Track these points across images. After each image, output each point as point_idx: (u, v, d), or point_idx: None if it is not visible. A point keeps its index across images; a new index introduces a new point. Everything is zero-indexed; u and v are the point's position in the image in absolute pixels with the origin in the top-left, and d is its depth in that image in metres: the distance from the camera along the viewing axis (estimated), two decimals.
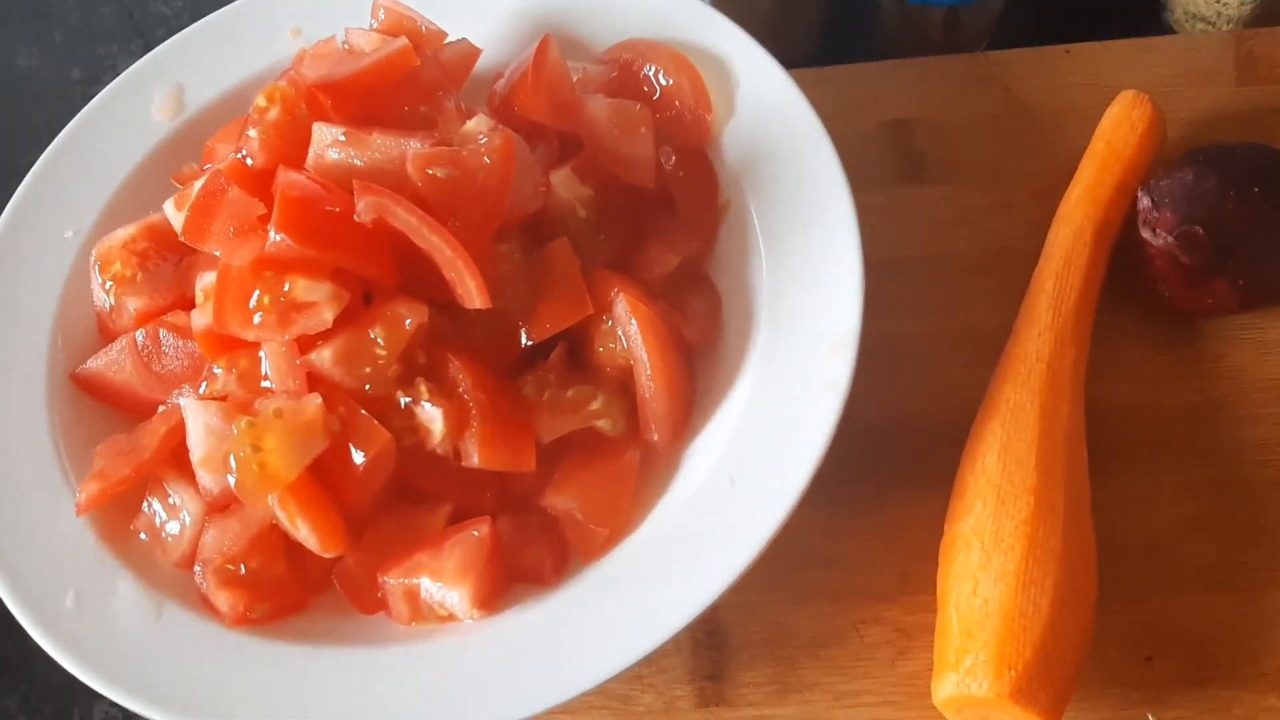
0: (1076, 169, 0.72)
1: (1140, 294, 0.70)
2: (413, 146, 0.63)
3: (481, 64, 0.75)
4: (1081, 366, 0.65)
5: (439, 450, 0.62)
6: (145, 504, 0.65)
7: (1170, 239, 0.67)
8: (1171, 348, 0.70)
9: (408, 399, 0.62)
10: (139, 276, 0.69)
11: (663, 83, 0.73)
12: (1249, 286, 0.68)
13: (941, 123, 0.79)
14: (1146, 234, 0.67)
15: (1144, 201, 0.69)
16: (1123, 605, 0.63)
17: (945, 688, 0.58)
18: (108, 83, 0.77)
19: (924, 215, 0.76)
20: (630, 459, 0.65)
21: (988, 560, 0.59)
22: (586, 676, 0.58)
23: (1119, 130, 0.72)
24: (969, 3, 0.81)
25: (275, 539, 0.62)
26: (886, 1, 0.84)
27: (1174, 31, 0.85)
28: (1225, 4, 0.81)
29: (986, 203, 0.75)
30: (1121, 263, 0.71)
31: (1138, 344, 0.70)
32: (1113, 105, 0.73)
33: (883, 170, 0.78)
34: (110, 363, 0.68)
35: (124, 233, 0.70)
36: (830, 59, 0.85)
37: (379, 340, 0.62)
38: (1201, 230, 0.66)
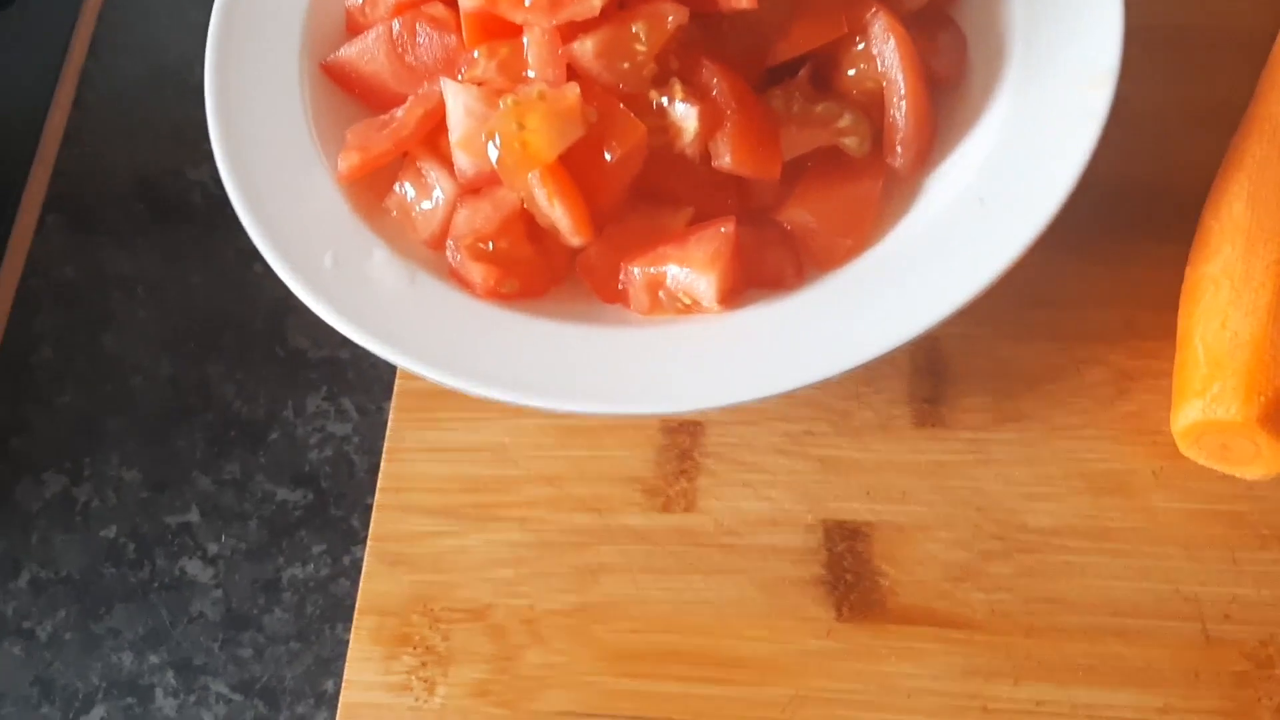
0: None
1: None
2: None
3: None
4: None
5: (689, 151, 0.63)
6: (397, 184, 0.67)
7: None
8: None
9: (663, 98, 0.63)
10: None
11: None
12: None
13: None
14: None
15: None
16: None
17: (1189, 413, 0.59)
18: None
19: None
20: (873, 181, 0.65)
21: (1237, 297, 0.60)
22: (814, 370, 0.59)
23: None
24: None
25: (524, 222, 0.64)
26: None
27: None
28: None
29: None
30: None
31: None
32: None
33: None
34: (363, 51, 0.70)
35: None
36: None
37: (640, 35, 0.62)
38: None
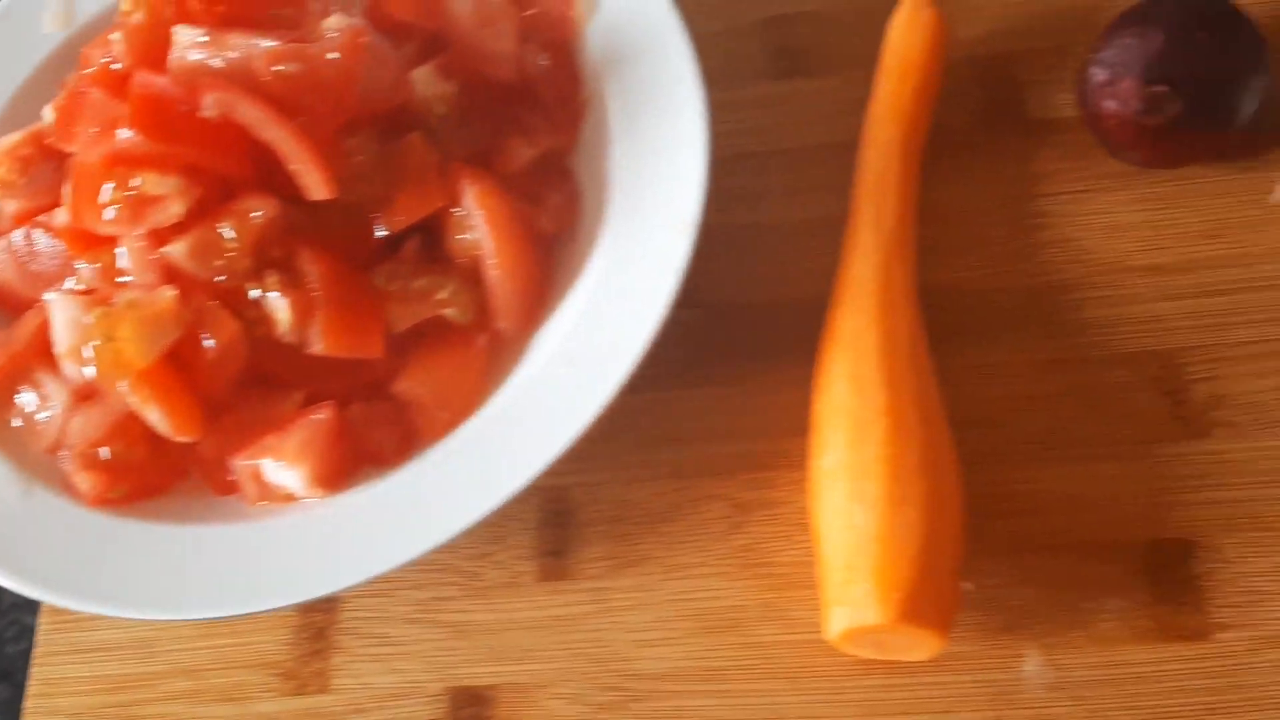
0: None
1: (976, 173, 0.72)
2: (263, 45, 0.65)
3: None
4: (912, 279, 0.66)
5: (287, 339, 0.65)
6: (19, 394, 0.68)
7: (1139, 104, 0.67)
8: (1023, 232, 0.71)
9: (258, 290, 0.65)
10: (21, 181, 0.72)
11: None
12: (1218, 130, 0.68)
13: (817, 17, 0.79)
14: (1113, 105, 0.67)
15: (1099, 75, 0.68)
16: None
17: (837, 623, 0.58)
18: None
19: (794, 109, 0.77)
20: (478, 346, 0.67)
21: (855, 490, 0.59)
22: (417, 545, 0.60)
23: (906, 40, 0.72)
24: None
25: (136, 425, 0.65)
26: None
27: None
28: None
29: (859, 95, 0.75)
30: (958, 141, 0.73)
31: (987, 226, 0.71)
32: (896, 15, 0.73)
33: (756, 65, 0.79)
34: None
35: (9, 139, 0.73)
36: None
37: (229, 234, 0.64)
38: (1165, 88, 0.66)
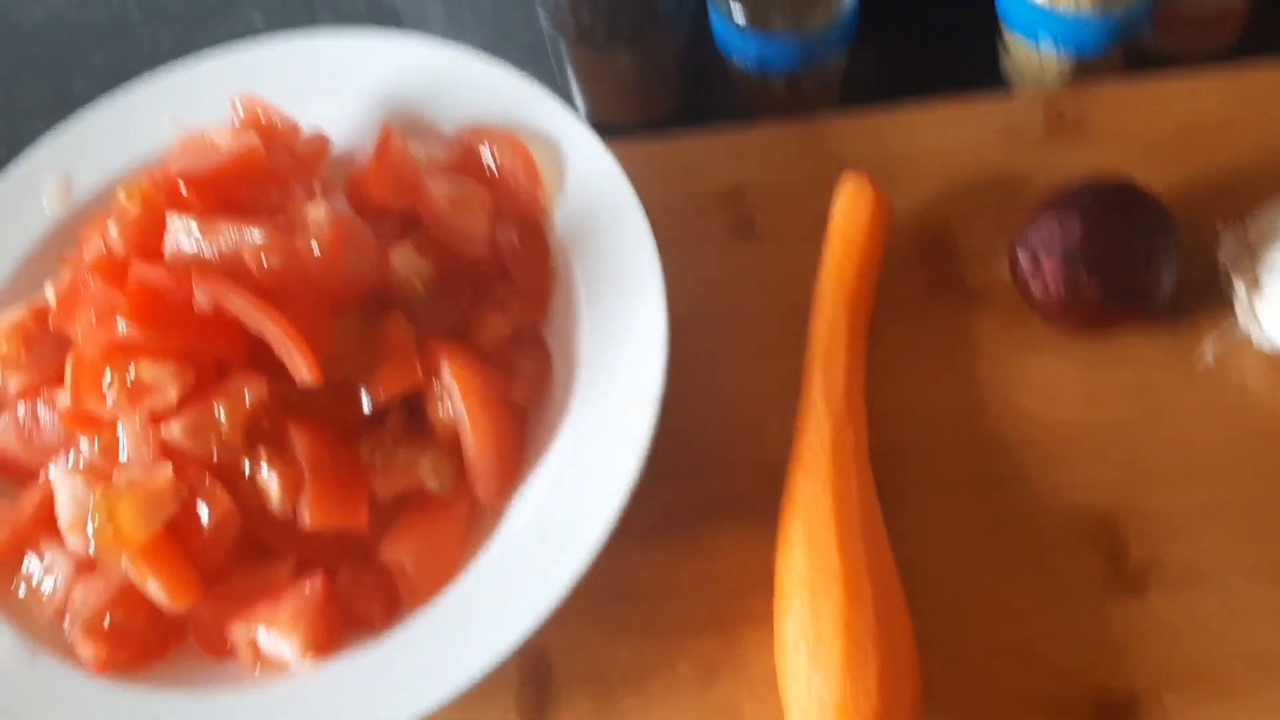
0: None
1: (921, 339, 0.77)
2: (252, 236, 0.70)
3: (346, 145, 0.82)
4: (863, 445, 0.71)
5: (278, 511, 0.69)
6: (25, 562, 0.72)
7: (1061, 288, 0.72)
8: (966, 394, 0.75)
9: (249, 465, 0.69)
10: (23, 357, 0.76)
11: (499, 163, 0.79)
12: (1137, 305, 0.73)
13: (770, 186, 0.85)
14: (1037, 288, 0.73)
15: (1023, 258, 0.73)
16: None
17: None
18: None
19: (752, 272, 0.82)
20: (457, 513, 0.72)
21: (814, 656, 0.63)
22: (409, 710, 0.64)
23: (847, 217, 0.77)
24: (800, 72, 0.87)
25: (136, 594, 0.69)
26: (733, 71, 0.90)
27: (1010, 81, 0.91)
28: (1045, 70, 0.87)
29: (812, 261, 0.80)
30: (904, 310, 0.78)
31: (933, 390, 0.76)
32: (839, 193, 0.78)
33: (716, 230, 0.84)
34: None
35: (10, 317, 0.77)
36: (691, 117, 0.92)
37: (221, 414, 0.69)
38: (1084, 272, 0.71)
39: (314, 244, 0.70)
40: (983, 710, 0.67)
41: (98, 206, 0.83)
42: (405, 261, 0.76)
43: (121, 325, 0.68)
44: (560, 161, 0.79)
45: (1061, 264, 0.71)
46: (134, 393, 0.68)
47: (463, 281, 0.77)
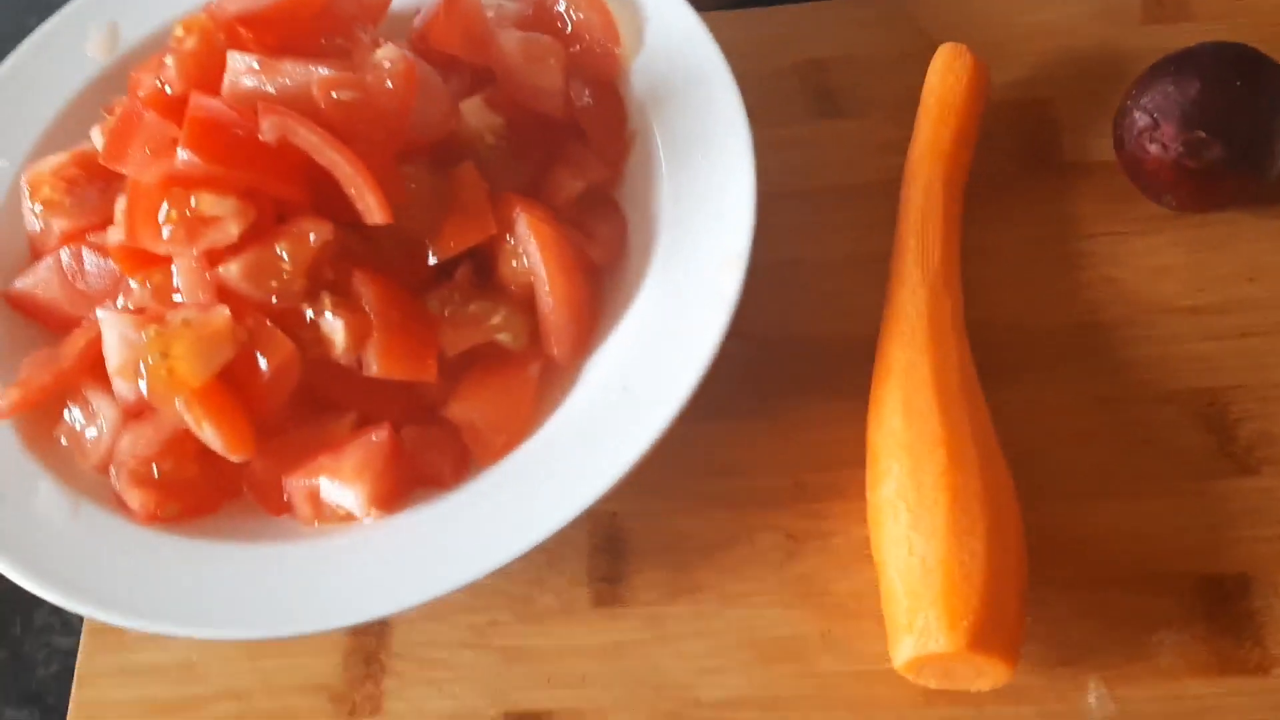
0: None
1: (1016, 214, 0.73)
2: (320, 72, 0.66)
3: (405, 2, 0.77)
4: (959, 313, 0.67)
5: (342, 361, 0.65)
6: (66, 411, 0.68)
7: (1180, 149, 0.68)
8: (1065, 271, 0.72)
9: (313, 312, 0.65)
10: (67, 201, 0.72)
11: (574, 17, 0.75)
12: (1254, 174, 0.69)
13: (853, 60, 0.81)
14: (1155, 149, 0.68)
15: (1140, 121, 0.69)
16: None
17: (903, 651, 0.58)
18: None
19: (834, 148, 0.78)
20: (531, 372, 0.67)
21: (916, 520, 0.60)
22: (474, 568, 0.60)
23: (946, 83, 0.74)
24: None
25: (188, 443, 0.65)
26: None
27: None
28: None
29: (896, 136, 0.76)
30: (998, 183, 0.74)
31: (1029, 265, 0.72)
32: (935, 60, 0.75)
33: (795, 105, 0.80)
34: (38, 281, 0.71)
35: (54, 160, 0.73)
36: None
37: (284, 255, 0.64)
38: (1204, 133, 0.67)
39: (387, 82, 0.65)
40: (1089, 589, 0.64)
41: (144, 55, 0.78)
42: (476, 115, 0.71)
43: (182, 154, 0.63)
44: (639, 18, 0.75)
45: (1180, 124, 0.67)
46: (193, 227, 0.64)
47: (535, 138, 0.73)
